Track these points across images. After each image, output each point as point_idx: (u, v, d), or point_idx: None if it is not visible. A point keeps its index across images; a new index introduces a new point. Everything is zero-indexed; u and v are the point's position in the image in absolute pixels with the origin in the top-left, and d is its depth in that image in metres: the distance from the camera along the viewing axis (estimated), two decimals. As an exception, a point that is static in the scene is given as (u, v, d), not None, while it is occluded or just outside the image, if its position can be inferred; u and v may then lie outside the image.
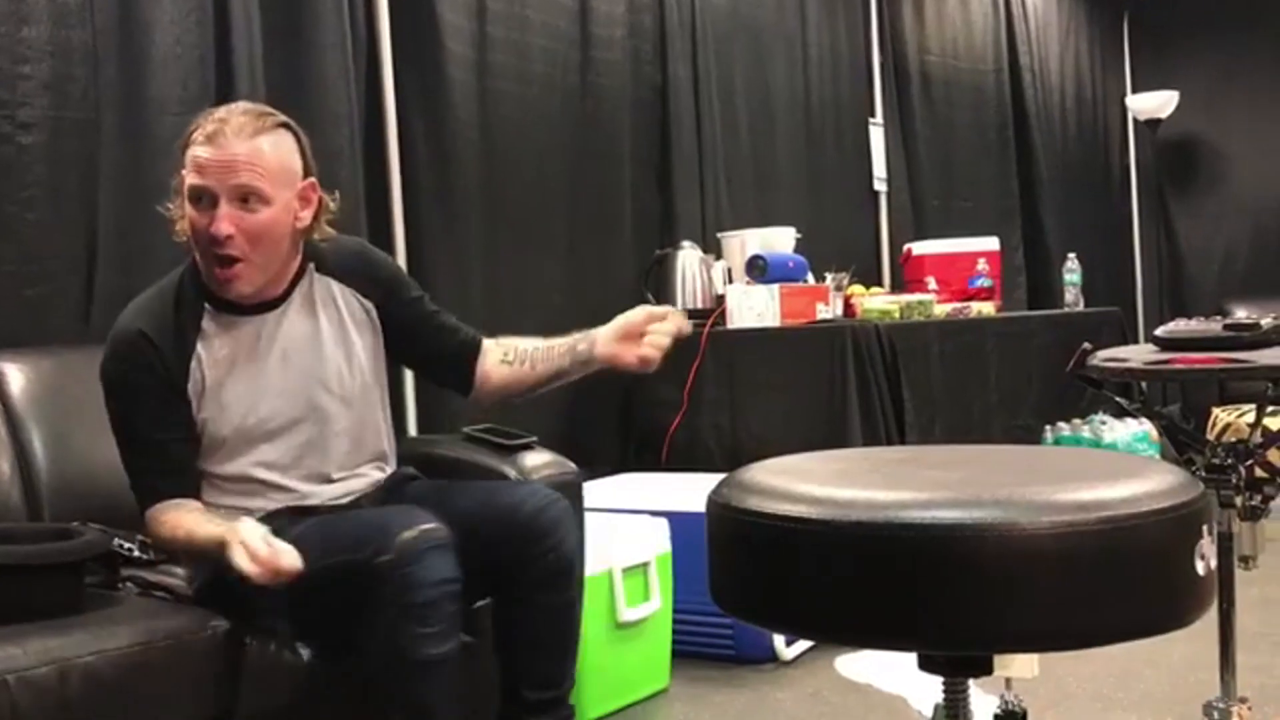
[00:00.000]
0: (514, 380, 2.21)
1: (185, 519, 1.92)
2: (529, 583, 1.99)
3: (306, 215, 2.03)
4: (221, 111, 1.98)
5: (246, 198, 1.93)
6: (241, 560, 1.72)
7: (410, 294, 2.21)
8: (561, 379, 2.21)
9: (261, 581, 1.72)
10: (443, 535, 1.81)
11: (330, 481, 2.08)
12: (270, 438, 2.03)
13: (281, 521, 1.95)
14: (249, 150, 1.93)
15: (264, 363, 2.03)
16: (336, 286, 2.12)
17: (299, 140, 2.03)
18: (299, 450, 2.05)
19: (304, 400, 2.05)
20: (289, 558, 1.73)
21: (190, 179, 1.94)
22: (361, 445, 2.13)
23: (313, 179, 2.04)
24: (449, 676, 1.80)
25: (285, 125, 2.01)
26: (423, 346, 2.22)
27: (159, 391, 1.96)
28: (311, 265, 2.11)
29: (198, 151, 1.93)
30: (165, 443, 1.98)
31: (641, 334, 2.14)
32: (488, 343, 2.24)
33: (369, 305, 2.15)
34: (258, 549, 1.72)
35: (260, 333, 2.04)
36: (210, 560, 1.87)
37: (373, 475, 2.15)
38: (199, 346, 2.00)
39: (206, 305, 2.02)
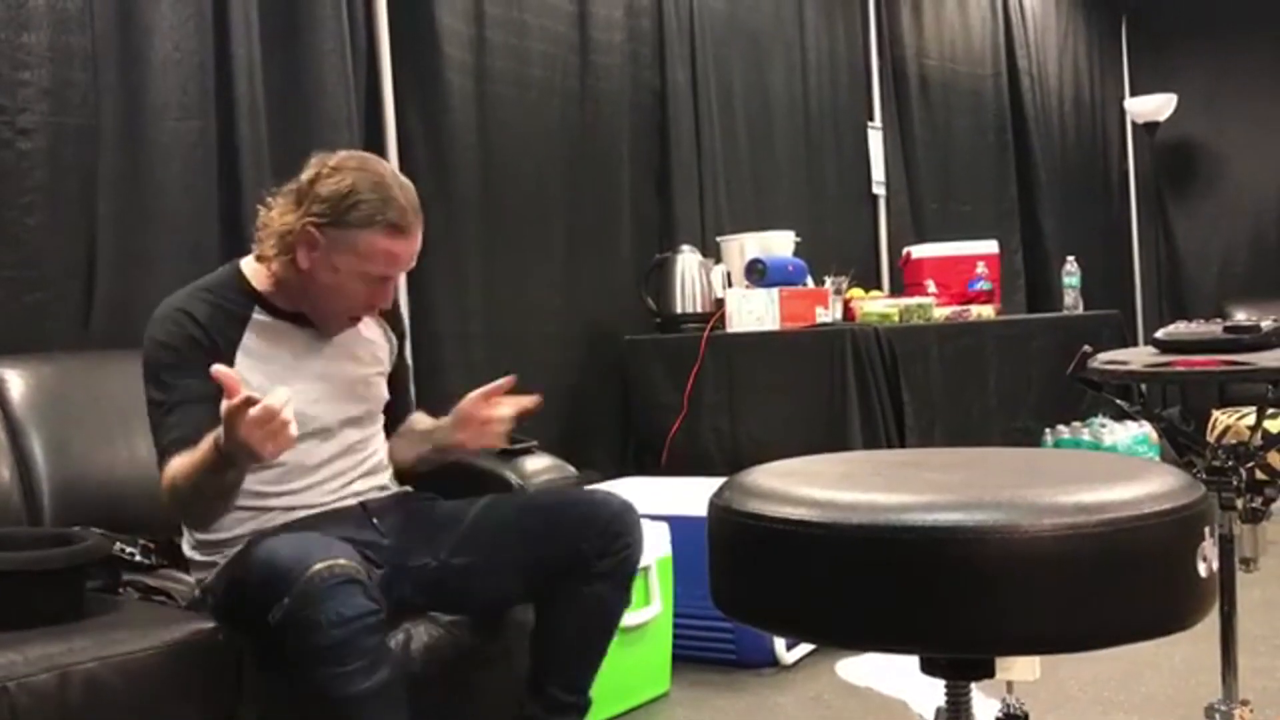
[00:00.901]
0: (391, 451, 2.26)
1: (184, 456, 1.85)
2: (598, 573, 2.05)
3: None
4: (396, 190, 1.99)
5: (408, 269, 2.07)
6: (239, 415, 1.65)
7: (404, 352, 2.33)
8: (424, 460, 2.26)
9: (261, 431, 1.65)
10: (348, 569, 1.74)
11: (348, 482, 2.12)
12: (299, 442, 2.02)
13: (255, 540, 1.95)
14: (420, 234, 2.04)
15: (306, 371, 2.07)
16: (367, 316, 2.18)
17: None
18: (322, 457, 2.08)
19: (333, 412, 2.10)
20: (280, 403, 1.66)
21: (386, 268, 1.99)
22: (370, 457, 2.18)
23: None
24: (385, 707, 1.75)
25: None
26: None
27: (202, 365, 1.91)
28: None
29: (392, 247, 1.97)
30: (192, 405, 1.92)
31: (483, 416, 2.16)
32: (414, 416, 2.33)
33: (392, 339, 2.25)
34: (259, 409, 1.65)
35: (306, 342, 2.09)
36: (213, 485, 1.80)
37: (375, 482, 2.18)
38: (245, 340, 2.02)
39: (256, 307, 2.05)
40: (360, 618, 1.72)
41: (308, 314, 2.06)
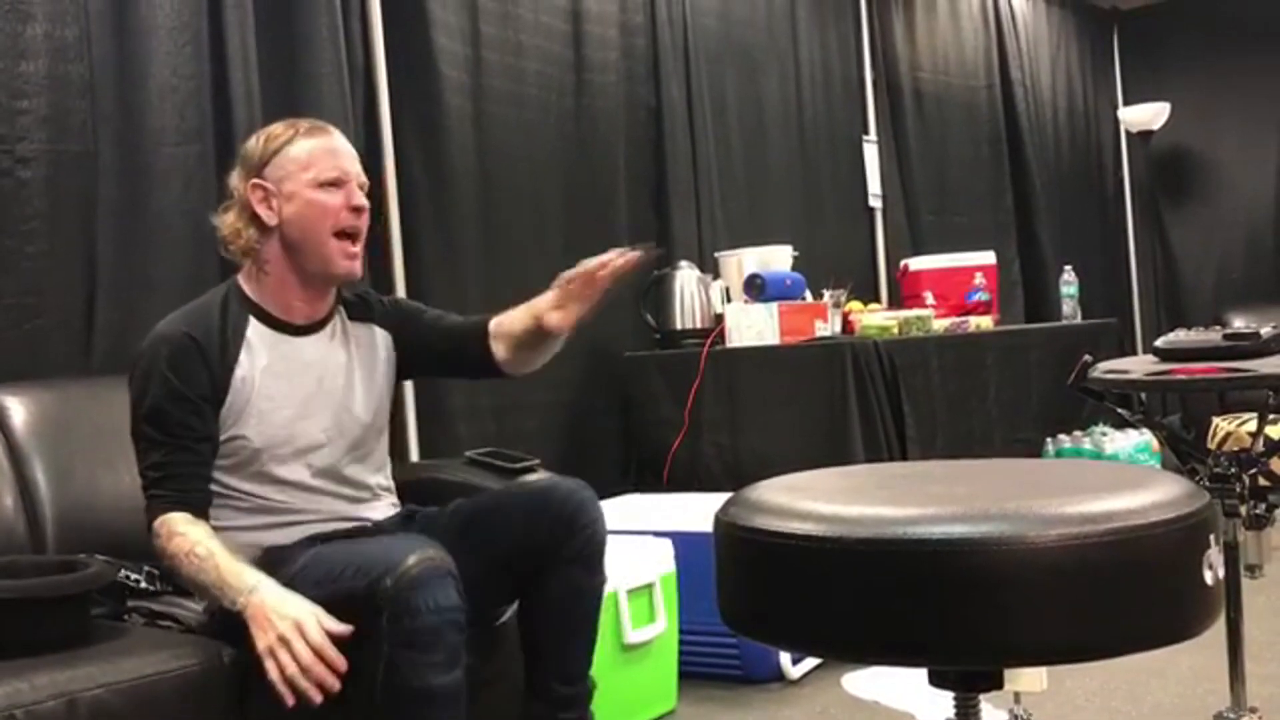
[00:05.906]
0: (509, 337, 2.24)
1: (210, 542, 1.88)
2: (563, 560, 2.05)
3: None
4: (300, 122, 2.10)
5: (362, 186, 2.10)
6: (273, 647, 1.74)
7: (414, 310, 2.30)
8: (532, 339, 2.25)
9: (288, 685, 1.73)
10: (445, 564, 1.80)
11: (351, 503, 2.11)
12: (297, 458, 2.05)
13: (293, 551, 1.97)
14: (354, 149, 2.12)
15: (302, 384, 2.07)
16: (357, 325, 2.18)
17: None
18: (321, 474, 2.07)
19: (333, 426, 2.09)
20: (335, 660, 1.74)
21: (329, 163, 2.04)
22: (375, 474, 2.18)
23: None
24: (454, 707, 1.79)
25: None
26: (442, 351, 2.26)
27: (196, 396, 1.96)
28: (340, 305, 2.18)
29: (320, 143, 2.05)
30: (191, 447, 1.95)
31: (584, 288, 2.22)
32: (492, 321, 2.27)
33: (387, 335, 2.22)
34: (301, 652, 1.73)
35: (302, 354, 2.08)
36: (210, 595, 1.87)
37: (384, 506, 2.18)
38: (243, 356, 2.01)
39: (252, 319, 2.05)
40: (453, 609, 1.77)
41: (313, 268, 2.05)
